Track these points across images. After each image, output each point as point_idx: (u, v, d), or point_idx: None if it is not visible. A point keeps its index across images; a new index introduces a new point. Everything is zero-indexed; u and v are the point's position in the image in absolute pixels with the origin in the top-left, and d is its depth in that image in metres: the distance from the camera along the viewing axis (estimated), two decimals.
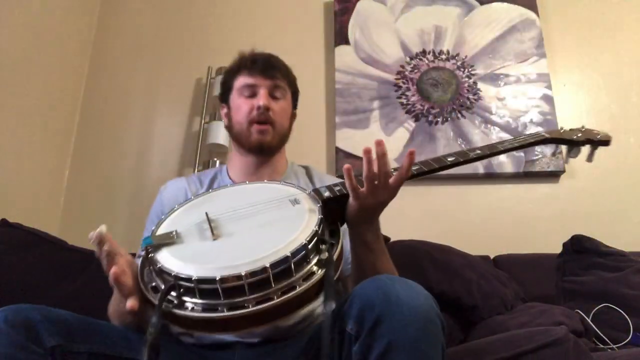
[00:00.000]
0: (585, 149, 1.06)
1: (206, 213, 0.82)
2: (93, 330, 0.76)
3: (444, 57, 1.96)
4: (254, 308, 0.66)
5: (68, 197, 1.98)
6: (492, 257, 1.57)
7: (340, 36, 2.02)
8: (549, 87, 1.86)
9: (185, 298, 0.69)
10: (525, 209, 1.73)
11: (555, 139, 1.04)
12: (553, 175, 1.77)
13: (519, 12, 1.97)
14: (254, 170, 1.13)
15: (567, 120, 1.84)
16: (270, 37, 2.08)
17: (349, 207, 0.85)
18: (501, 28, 1.96)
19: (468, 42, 1.96)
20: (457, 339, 1.31)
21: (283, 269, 0.68)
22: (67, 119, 2.05)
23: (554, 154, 1.06)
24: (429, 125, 1.86)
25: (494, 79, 1.90)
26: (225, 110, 1.16)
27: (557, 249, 1.38)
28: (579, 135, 1.04)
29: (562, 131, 1.06)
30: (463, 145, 1.81)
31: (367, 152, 0.80)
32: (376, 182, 0.81)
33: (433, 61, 1.96)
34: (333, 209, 0.84)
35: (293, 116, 1.19)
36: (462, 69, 1.93)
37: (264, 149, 1.09)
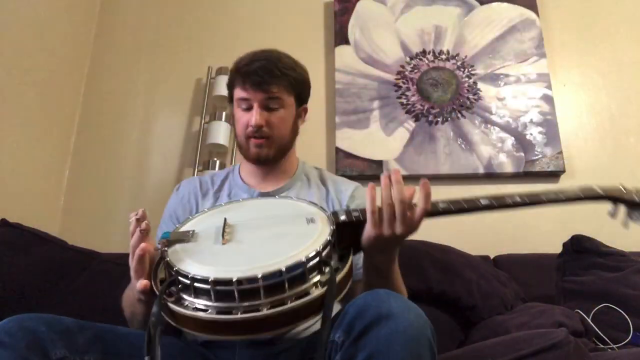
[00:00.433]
0: None
1: (225, 219, 0.85)
2: (97, 337, 0.76)
3: (444, 57, 1.96)
4: (242, 315, 0.66)
5: (68, 197, 1.98)
6: (492, 257, 1.57)
7: (340, 36, 2.02)
8: (549, 87, 1.86)
9: (183, 295, 0.71)
10: (525, 209, 1.73)
11: (611, 197, 0.92)
12: (553, 175, 1.77)
13: (519, 12, 1.97)
14: (261, 174, 1.14)
15: (567, 121, 1.84)
16: (270, 37, 2.07)
17: (364, 234, 0.83)
18: (501, 28, 1.96)
19: (468, 42, 1.96)
20: (457, 339, 1.31)
21: (276, 282, 0.68)
22: (67, 119, 2.05)
23: (611, 215, 0.91)
24: (429, 125, 1.86)
25: (494, 79, 1.90)
26: (232, 114, 1.17)
27: (557, 249, 1.38)
28: None
29: (624, 190, 0.92)
30: (463, 146, 1.81)
31: (386, 177, 0.81)
32: (394, 211, 0.79)
33: (433, 61, 1.96)
34: (347, 234, 0.83)
35: (301, 114, 1.16)
36: (462, 69, 1.93)
37: (261, 161, 1.09)
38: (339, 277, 0.74)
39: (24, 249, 1.42)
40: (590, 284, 1.25)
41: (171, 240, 0.80)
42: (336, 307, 0.71)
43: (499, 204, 0.87)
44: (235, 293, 0.67)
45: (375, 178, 1.78)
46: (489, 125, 1.84)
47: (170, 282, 0.73)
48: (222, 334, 0.70)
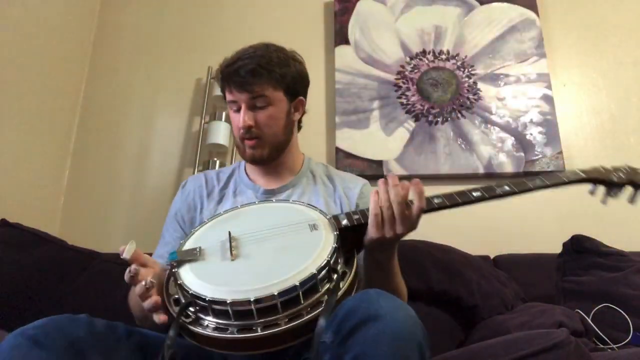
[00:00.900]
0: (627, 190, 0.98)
1: (229, 232, 0.86)
2: (126, 338, 0.78)
3: (444, 57, 1.96)
4: (262, 333, 0.69)
5: (68, 197, 1.98)
6: (492, 257, 1.57)
7: (340, 36, 2.02)
8: (549, 87, 1.86)
9: (201, 315, 0.74)
10: (525, 209, 1.73)
11: (593, 179, 0.98)
12: None
13: (519, 12, 1.97)
14: (264, 172, 1.13)
15: (567, 121, 1.84)
16: (270, 37, 2.05)
17: (367, 236, 0.85)
18: (501, 28, 1.96)
19: (468, 42, 1.96)
20: (458, 339, 1.31)
21: (291, 297, 0.71)
22: (67, 119, 2.05)
23: (591, 193, 0.99)
24: (429, 125, 1.86)
25: (494, 79, 1.90)
26: None
27: (557, 249, 1.38)
28: (622, 175, 0.97)
29: (602, 170, 0.99)
30: (463, 146, 1.81)
31: (383, 182, 0.83)
32: (393, 212, 0.81)
33: (433, 61, 1.96)
34: (350, 237, 0.85)
35: (296, 107, 1.13)
36: (462, 69, 1.93)
37: (257, 161, 1.09)
38: (348, 280, 0.77)
39: (24, 249, 1.42)
40: (590, 284, 1.25)
41: (179, 260, 0.81)
42: None
43: (489, 194, 0.90)
44: (254, 312, 0.70)
45: (375, 178, 1.78)
46: (489, 125, 1.84)
47: (186, 304, 0.74)
48: (244, 350, 0.72)
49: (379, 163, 1.82)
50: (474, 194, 0.89)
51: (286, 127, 1.10)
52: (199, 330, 0.72)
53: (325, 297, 0.73)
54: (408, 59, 1.97)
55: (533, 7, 1.97)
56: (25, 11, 1.80)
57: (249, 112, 1.04)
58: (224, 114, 1.92)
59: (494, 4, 1.99)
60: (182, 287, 0.76)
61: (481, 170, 1.78)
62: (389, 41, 2.00)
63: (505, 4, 1.98)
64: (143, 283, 0.75)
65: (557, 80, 1.89)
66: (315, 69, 2.03)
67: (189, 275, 0.78)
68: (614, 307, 1.15)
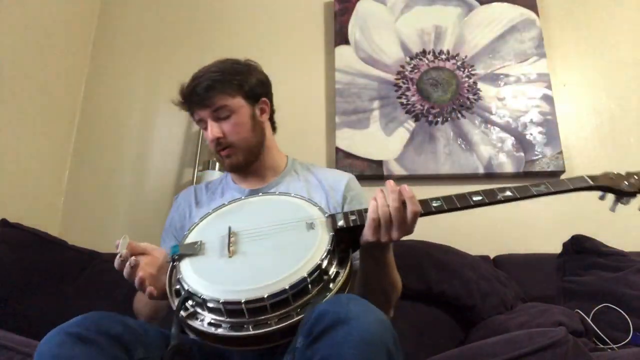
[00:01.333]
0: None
1: (229, 227, 0.89)
2: (159, 338, 0.80)
3: (444, 57, 1.96)
4: (254, 332, 0.72)
5: (68, 197, 1.98)
6: (492, 257, 1.57)
7: (340, 36, 2.02)
8: (549, 87, 1.86)
9: (198, 309, 0.78)
10: (525, 209, 1.73)
11: (601, 186, 0.92)
12: (553, 175, 1.77)
13: (519, 12, 1.97)
14: (248, 177, 1.17)
15: (567, 121, 1.84)
16: (270, 38, 2.08)
17: (363, 238, 0.86)
18: (501, 28, 1.96)
19: (468, 42, 1.96)
20: (457, 339, 1.31)
21: (281, 299, 0.73)
22: (67, 119, 2.05)
23: (601, 198, 0.95)
24: (429, 125, 1.86)
25: (494, 79, 1.90)
26: None
27: (557, 249, 1.38)
28: (633, 182, 0.91)
29: (612, 177, 0.93)
30: (463, 146, 1.81)
31: (381, 190, 0.85)
32: (391, 218, 0.82)
33: (433, 61, 1.96)
34: (345, 237, 0.87)
35: (263, 108, 1.16)
36: (462, 69, 1.93)
37: (236, 169, 1.13)
38: (340, 281, 0.79)
39: (24, 249, 1.42)
40: (590, 284, 1.25)
41: (181, 254, 0.85)
42: None
43: (490, 200, 0.87)
44: (245, 311, 0.73)
45: (376, 178, 1.80)
46: (489, 125, 1.84)
47: (184, 299, 0.78)
48: (237, 345, 0.75)
49: (379, 163, 1.82)
50: (474, 198, 0.87)
51: (254, 130, 1.12)
52: (195, 324, 0.76)
53: (317, 299, 0.75)
54: (408, 59, 1.97)
55: (533, 7, 1.96)
56: (25, 11, 1.80)
57: (214, 124, 1.08)
58: None
59: (494, 4, 1.99)
60: (180, 282, 0.80)
61: (481, 171, 1.78)
62: (389, 41, 2.00)
63: (505, 4, 1.98)
64: (128, 263, 0.82)
65: (557, 80, 1.89)
66: (315, 69, 2.03)
67: (188, 270, 0.82)
68: (614, 307, 1.15)
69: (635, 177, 0.93)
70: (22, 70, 1.77)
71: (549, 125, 1.80)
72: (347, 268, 0.82)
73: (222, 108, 1.08)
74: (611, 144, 1.81)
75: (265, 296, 0.72)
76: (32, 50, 1.83)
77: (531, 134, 1.80)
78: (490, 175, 1.78)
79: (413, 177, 1.79)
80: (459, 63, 1.94)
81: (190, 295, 0.77)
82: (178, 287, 0.82)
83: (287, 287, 0.73)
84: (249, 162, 1.12)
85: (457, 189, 1.76)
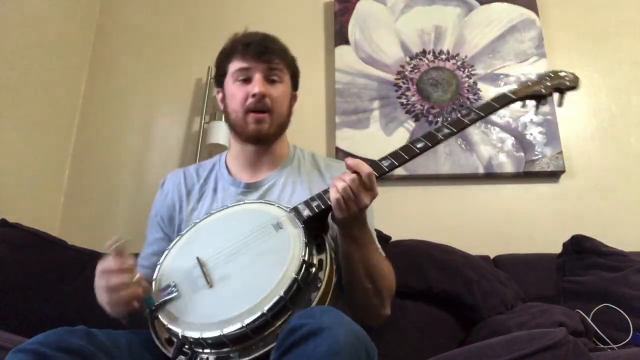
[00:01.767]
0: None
1: (197, 258, 0.85)
2: (127, 346, 0.79)
3: (444, 57, 1.96)
4: (263, 350, 0.71)
5: (68, 197, 1.98)
6: (492, 257, 1.57)
7: (340, 36, 2.02)
8: None
9: (197, 349, 0.75)
10: (525, 209, 1.73)
11: (523, 97, 1.04)
12: (553, 175, 1.77)
13: (519, 12, 1.97)
14: (253, 159, 1.09)
15: (567, 121, 1.84)
16: None
17: (336, 218, 0.86)
18: (501, 28, 1.96)
19: (468, 42, 1.96)
20: (458, 339, 1.31)
21: (280, 307, 0.73)
22: (67, 119, 2.05)
23: (522, 106, 1.12)
24: (429, 125, 1.86)
25: (494, 79, 1.90)
26: (220, 95, 1.11)
27: (557, 249, 1.38)
28: (547, 84, 1.05)
29: (529, 84, 1.06)
30: (463, 146, 1.81)
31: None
32: (351, 189, 0.82)
33: (433, 61, 1.96)
34: (315, 224, 0.86)
35: (293, 98, 1.13)
36: (462, 69, 1.93)
37: (261, 138, 1.04)
38: (327, 266, 0.80)
39: (24, 249, 1.42)
40: (590, 284, 1.25)
41: (158, 305, 0.80)
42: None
43: (432, 142, 0.92)
44: (250, 333, 0.72)
45: (375, 178, 1.79)
46: (489, 125, 1.84)
47: (180, 344, 0.76)
48: None
49: None
50: (418, 145, 0.91)
51: (288, 112, 1.09)
52: None
53: (313, 294, 0.76)
54: (408, 59, 1.97)
55: (533, 7, 1.96)
56: (25, 11, 1.80)
57: (264, 82, 1.01)
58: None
59: (494, 4, 1.99)
60: (170, 330, 0.77)
61: (481, 170, 1.77)
62: (389, 41, 2.00)
63: (505, 4, 1.98)
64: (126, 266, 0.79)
65: None
66: (315, 69, 2.03)
67: (172, 318, 0.78)
68: (614, 307, 1.15)
69: (547, 77, 1.07)
70: (22, 70, 1.77)
71: (549, 125, 1.80)
72: (327, 251, 0.82)
73: (278, 71, 1.03)
74: (611, 144, 1.80)
75: (265, 311, 0.71)
76: (32, 50, 1.83)
77: (531, 134, 1.80)
78: (490, 175, 1.78)
79: (413, 177, 1.78)
80: (459, 63, 1.94)
81: (185, 339, 0.74)
82: (167, 336, 0.79)
83: (282, 294, 0.72)
84: (273, 137, 1.06)
85: (457, 189, 1.76)
